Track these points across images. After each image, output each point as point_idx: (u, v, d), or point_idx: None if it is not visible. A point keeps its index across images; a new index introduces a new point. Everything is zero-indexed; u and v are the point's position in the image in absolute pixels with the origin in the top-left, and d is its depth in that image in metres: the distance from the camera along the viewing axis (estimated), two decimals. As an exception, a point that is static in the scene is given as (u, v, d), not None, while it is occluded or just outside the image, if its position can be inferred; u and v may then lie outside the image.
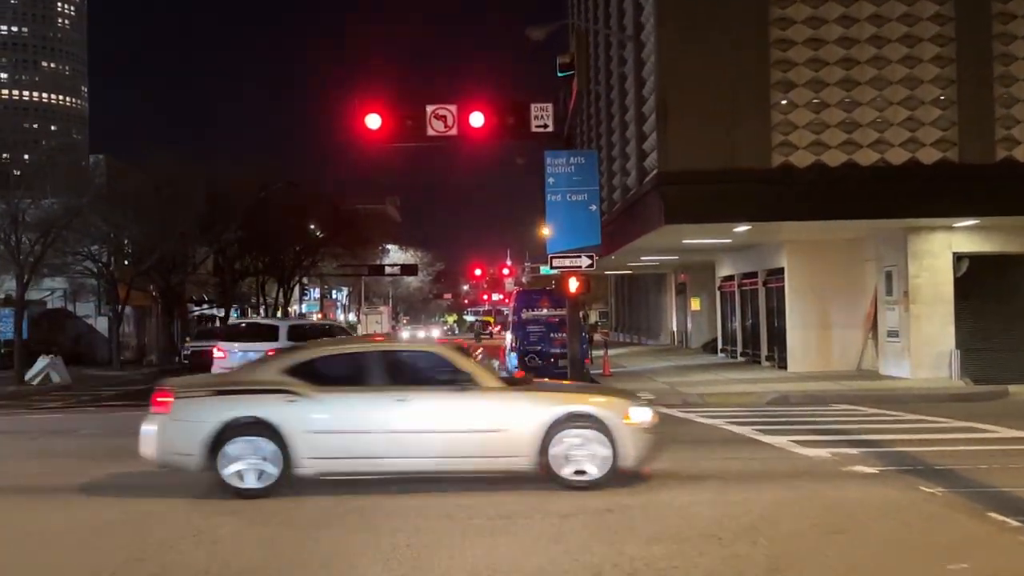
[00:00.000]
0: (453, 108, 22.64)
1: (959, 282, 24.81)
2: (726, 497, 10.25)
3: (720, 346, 37.84)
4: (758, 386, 24.02)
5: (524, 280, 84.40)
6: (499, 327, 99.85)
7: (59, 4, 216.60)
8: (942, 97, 22.48)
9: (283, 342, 24.90)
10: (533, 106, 22.57)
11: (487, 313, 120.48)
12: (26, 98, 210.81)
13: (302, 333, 26.43)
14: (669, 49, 22.45)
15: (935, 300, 24.74)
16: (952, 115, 22.44)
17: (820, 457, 12.74)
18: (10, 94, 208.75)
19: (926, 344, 24.65)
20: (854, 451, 13.22)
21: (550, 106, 22.54)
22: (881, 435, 14.97)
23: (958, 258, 24.82)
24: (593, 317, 67.91)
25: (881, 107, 22.51)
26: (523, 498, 10.24)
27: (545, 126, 22.56)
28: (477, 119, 22.53)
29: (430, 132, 22.66)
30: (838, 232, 25.89)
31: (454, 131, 22.61)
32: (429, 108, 22.62)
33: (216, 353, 26.18)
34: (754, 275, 32.44)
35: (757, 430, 15.53)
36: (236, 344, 25.72)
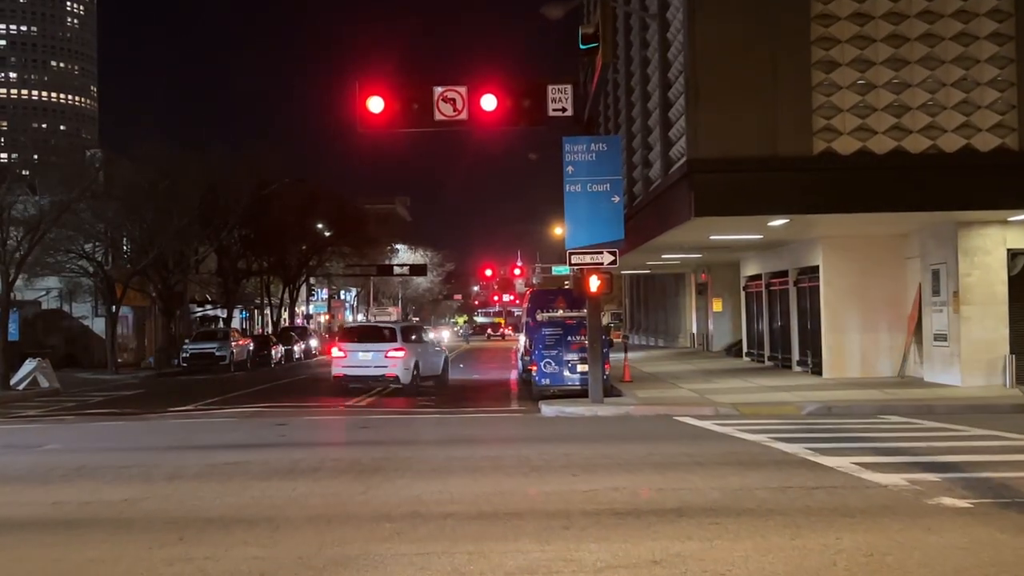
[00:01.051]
0: (463, 90, 20.78)
1: (1014, 281, 22.80)
2: (800, 542, 8.29)
3: (745, 349, 35.88)
4: (795, 394, 22.05)
5: (535, 281, 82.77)
6: (511, 328, 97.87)
7: (68, 3, 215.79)
8: (1000, 78, 20.42)
9: (400, 342, 26.92)
10: (550, 88, 20.68)
11: (497, 314, 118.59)
12: (35, 98, 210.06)
13: (410, 332, 28.76)
14: (700, 25, 20.45)
15: (987, 301, 22.72)
16: (1011, 98, 20.37)
17: (895, 485, 10.76)
18: (19, 94, 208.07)
19: (978, 349, 22.64)
20: (932, 477, 11.24)
21: (569, 87, 20.64)
22: (954, 455, 12.97)
23: (1013, 255, 22.80)
24: (605, 319, 66.00)
25: (933, 89, 20.47)
26: (548, 545, 8.29)
27: (563, 109, 20.66)
28: (489, 102, 20.68)
29: (438, 117, 20.82)
30: (882, 226, 23.88)
31: (464, 115, 20.76)
32: (437, 90, 20.78)
33: (336, 352, 27.59)
34: (784, 274, 30.47)
35: (810, 449, 13.55)
36: (355, 344, 27.22)
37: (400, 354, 26.44)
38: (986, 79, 20.48)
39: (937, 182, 20.38)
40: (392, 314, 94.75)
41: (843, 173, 20.30)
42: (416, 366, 26.96)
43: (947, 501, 9.90)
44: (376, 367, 26.46)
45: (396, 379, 26.52)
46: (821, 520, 9.12)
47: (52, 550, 8.47)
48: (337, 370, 27.06)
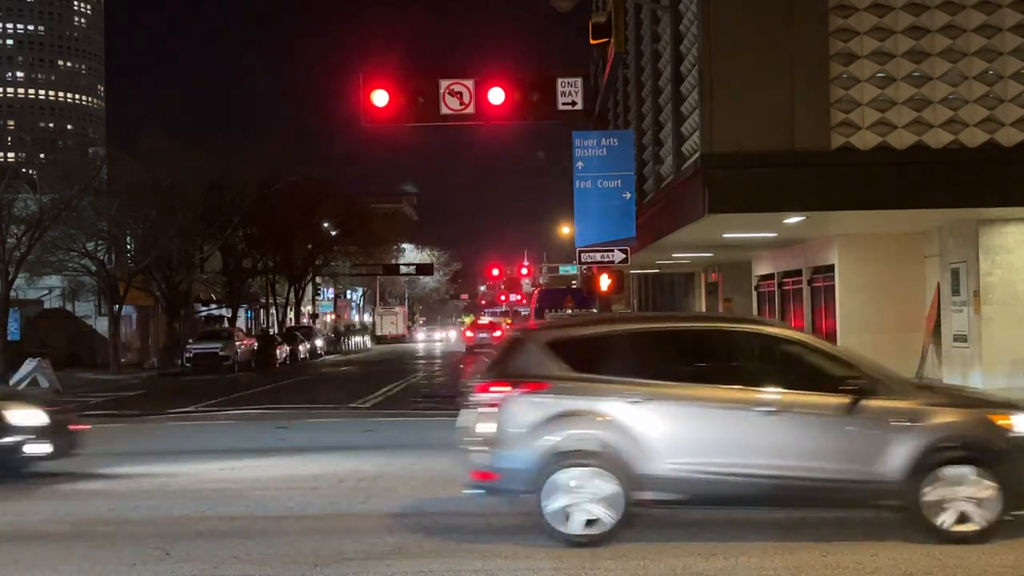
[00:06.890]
0: (470, 83, 20.18)
1: (1037, 281, 22.11)
2: (833, 559, 7.70)
3: (757, 350, 35.19)
4: (812, 397, 21.38)
5: (542, 280, 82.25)
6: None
7: (76, 3, 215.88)
8: (1024, 71, 19.76)
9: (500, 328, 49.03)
10: (560, 81, 20.09)
11: (504, 314, 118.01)
12: (42, 97, 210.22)
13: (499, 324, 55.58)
14: (715, 16, 19.77)
15: (1010, 301, 21.97)
16: (1036, 91, 19.72)
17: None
18: (27, 93, 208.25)
19: (1000, 351, 21.90)
20: (965, 486, 10.61)
21: (579, 81, 20.07)
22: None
23: (1036, 254, 22.12)
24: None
25: (955, 82, 19.72)
26: (561, 561, 7.71)
27: (574, 103, 20.08)
28: (497, 95, 20.07)
29: (444, 110, 20.22)
30: (900, 224, 23.18)
31: (471, 109, 20.16)
32: (443, 83, 20.17)
33: (468, 333, 57.87)
34: (798, 273, 29.79)
35: (833, 455, 12.92)
36: (478, 330, 54.92)
37: (499, 332, 48.67)
38: (1010, 72, 19.75)
39: (959, 178, 19.63)
40: (399, 313, 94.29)
41: (862, 169, 19.58)
42: None
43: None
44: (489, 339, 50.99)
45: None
46: (853, 534, 8.52)
47: (23, 568, 7.90)
48: (471, 341, 55.24)
